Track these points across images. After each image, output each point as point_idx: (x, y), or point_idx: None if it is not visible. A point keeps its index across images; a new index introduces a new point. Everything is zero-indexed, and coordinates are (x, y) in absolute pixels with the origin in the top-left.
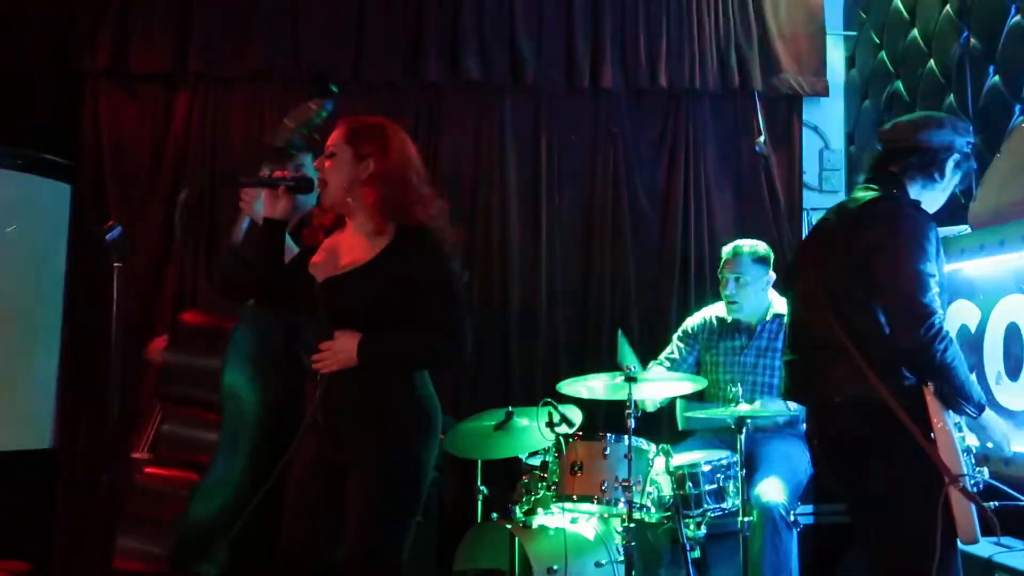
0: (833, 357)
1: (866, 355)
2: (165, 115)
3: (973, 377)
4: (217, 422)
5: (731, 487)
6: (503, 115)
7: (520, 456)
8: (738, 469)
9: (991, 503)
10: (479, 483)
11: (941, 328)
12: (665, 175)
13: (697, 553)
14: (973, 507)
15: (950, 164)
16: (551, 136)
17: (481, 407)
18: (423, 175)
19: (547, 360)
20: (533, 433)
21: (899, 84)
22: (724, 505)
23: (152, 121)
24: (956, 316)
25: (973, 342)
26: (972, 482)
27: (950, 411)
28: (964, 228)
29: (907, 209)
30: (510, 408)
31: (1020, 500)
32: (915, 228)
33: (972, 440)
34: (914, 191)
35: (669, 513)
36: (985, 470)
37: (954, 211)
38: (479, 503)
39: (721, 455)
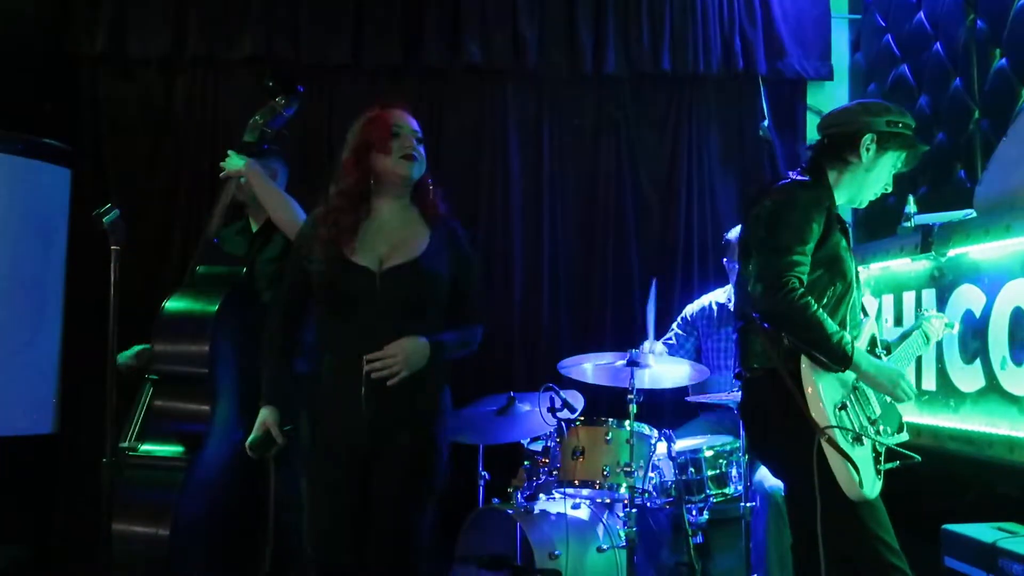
0: (750, 331)
1: (761, 324)
2: (163, 99)
3: (843, 336)
4: (209, 395)
5: (733, 472)
6: (505, 100)
7: (522, 441)
8: (741, 455)
9: (892, 463)
10: (481, 468)
11: (791, 283)
12: (668, 160)
13: (699, 538)
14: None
15: (865, 144)
16: (553, 121)
17: (483, 392)
18: None
19: (549, 345)
20: (535, 418)
21: (905, 68)
22: (726, 491)
23: (150, 105)
24: (961, 301)
25: (978, 327)
26: (852, 437)
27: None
28: (970, 212)
29: (792, 186)
30: (512, 393)
31: (915, 457)
32: (792, 202)
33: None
34: (833, 176)
35: (671, 498)
36: (896, 435)
37: (960, 195)
38: (481, 488)
39: (724, 440)
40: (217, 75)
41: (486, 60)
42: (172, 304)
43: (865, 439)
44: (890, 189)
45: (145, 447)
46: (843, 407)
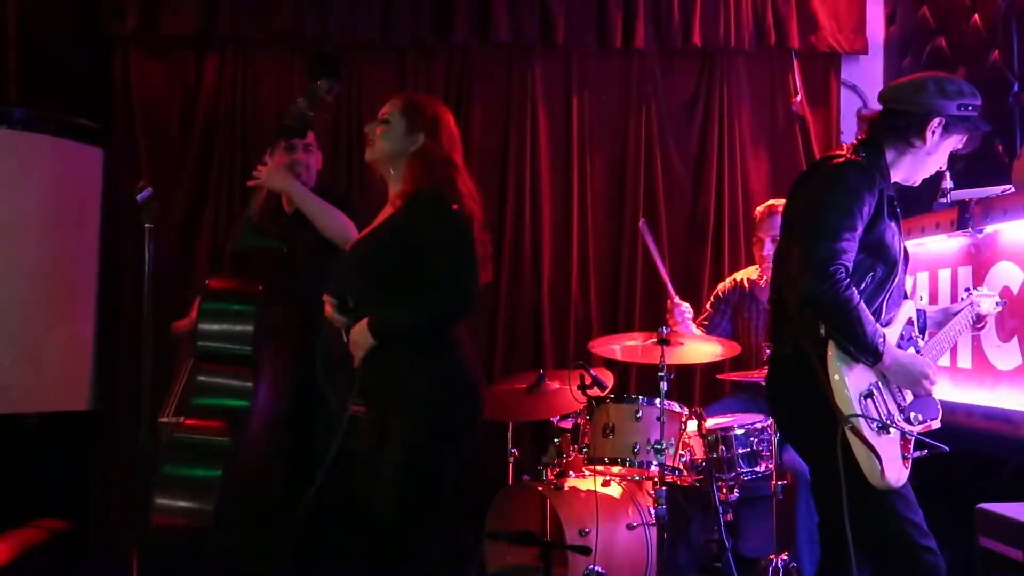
0: (784, 307)
1: (793, 305)
2: (195, 77)
3: (876, 331)
4: (252, 372)
5: (764, 450)
6: (533, 77)
7: (552, 419)
8: (772, 432)
9: (919, 451)
10: (510, 445)
11: (838, 273)
12: (698, 136)
13: (730, 516)
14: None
15: (932, 128)
16: (582, 98)
17: (513, 370)
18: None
19: (579, 323)
20: (565, 396)
21: (941, 41)
22: (757, 468)
23: (182, 84)
24: (998, 278)
25: (1015, 305)
26: (878, 426)
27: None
28: (1008, 188)
29: (843, 167)
30: (542, 371)
31: (943, 448)
32: (842, 184)
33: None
34: (891, 156)
35: (701, 476)
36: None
37: (997, 170)
38: (510, 465)
39: (755, 418)
40: (247, 53)
41: (515, 36)
42: (217, 283)
43: (892, 428)
44: (944, 167)
45: (189, 423)
46: (869, 396)
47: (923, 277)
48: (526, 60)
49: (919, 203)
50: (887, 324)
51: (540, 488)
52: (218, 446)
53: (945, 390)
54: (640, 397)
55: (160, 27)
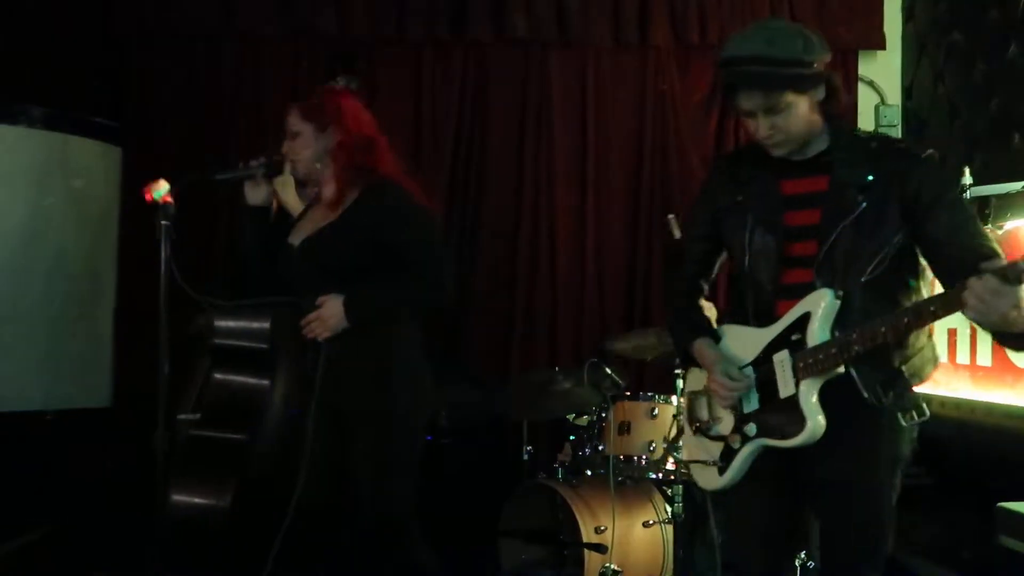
0: None
1: None
2: (211, 75)
3: (684, 338)
4: (268, 370)
5: None
6: (549, 73)
7: (567, 416)
8: None
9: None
10: (525, 443)
11: (665, 294)
12: (715, 133)
13: None
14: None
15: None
16: (598, 94)
17: (528, 367)
18: (383, 136)
19: (594, 319)
20: (580, 393)
21: (960, 35)
22: None
23: (198, 81)
24: None
25: None
26: (696, 428)
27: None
28: None
29: None
30: (557, 368)
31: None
32: None
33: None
34: None
35: None
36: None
37: (1018, 165)
38: (525, 463)
39: None
40: (263, 50)
41: (531, 32)
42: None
43: (715, 431)
44: (753, 132)
45: (205, 420)
46: (696, 396)
47: None
48: (542, 56)
49: None
50: (767, 323)
51: (555, 486)
52: (234, 443)
53: (965, 387)
54: (656, 395)
55: (176, 24)
